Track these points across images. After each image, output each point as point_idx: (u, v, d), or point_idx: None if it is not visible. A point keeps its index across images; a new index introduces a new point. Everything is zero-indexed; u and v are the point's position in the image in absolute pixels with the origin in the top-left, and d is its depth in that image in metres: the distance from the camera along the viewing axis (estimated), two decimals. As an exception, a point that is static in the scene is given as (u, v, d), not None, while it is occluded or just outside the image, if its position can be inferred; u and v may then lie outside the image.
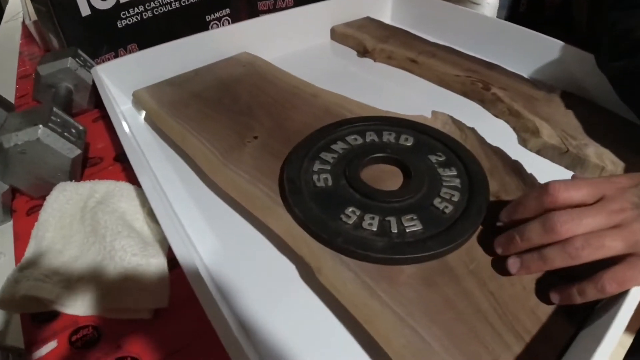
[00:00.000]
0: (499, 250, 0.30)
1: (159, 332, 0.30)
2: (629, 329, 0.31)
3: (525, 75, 0.53)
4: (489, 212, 0.33)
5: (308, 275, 0.31)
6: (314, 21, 0.62)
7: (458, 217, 0.33)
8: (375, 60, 0.57)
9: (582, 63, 0.48)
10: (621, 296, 0.26)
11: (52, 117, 0.41)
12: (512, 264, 0.29)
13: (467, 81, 0.50)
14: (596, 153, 0.41)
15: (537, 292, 0.29)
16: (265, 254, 0.34)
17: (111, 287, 0.31)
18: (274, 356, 0.27)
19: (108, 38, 0.57)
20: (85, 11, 0.54)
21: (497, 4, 0.66)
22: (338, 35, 0.62)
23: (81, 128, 0.44)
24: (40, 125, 0.39)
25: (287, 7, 0.70)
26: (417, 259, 0.30)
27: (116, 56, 0.59)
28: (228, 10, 0.68)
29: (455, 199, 0.34)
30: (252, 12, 0.70)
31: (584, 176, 0.37)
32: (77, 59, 0.52)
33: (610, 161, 0.40)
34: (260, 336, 0.28)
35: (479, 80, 0.50)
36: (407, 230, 0.31)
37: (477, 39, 0.58)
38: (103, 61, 0.58)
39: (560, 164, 0.42)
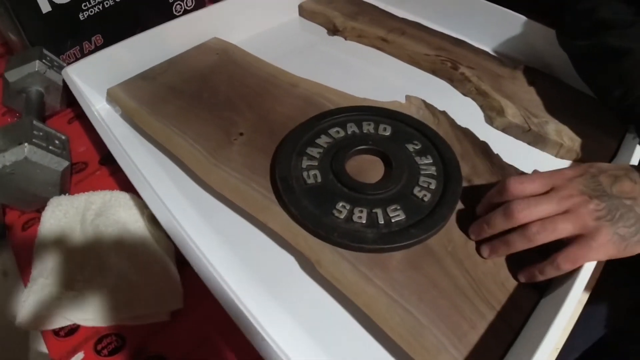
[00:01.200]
0: (472, 237, 0.35)
1: (180, 331, 0.34)
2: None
3: (490, 51, 0.57)
4: (462, 197, 0.38)
5: (308, 267, 0.36)
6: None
7: (436, 203, 0.37)
8: (346, 39, 0.59)
9: (546, 39, 0.52)
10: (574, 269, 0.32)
11: (35, 132, 0.42)
12: (484, 249, 0.34)
13: (436, 60, 0.53)
14: (556, 130, 0.46)
15: (506, 268, 0.34)
16: (265, 249, 0.38)
17: (128, 298, 0.34)
18: (288, 338, 0.32)
19: (71, 32, 0.56)
20: (45, 7, 0.52)
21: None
22: (306, 12, 0.63)
23: (64, 137, 0.46)
24: (26, 144, 0.40)
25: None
26: (404, 246, 0.35)
27: (81, 50, 0.58)
28: (190, -11, 0.67)
29: (433, 186, 0.38)
30: (216, -12, 0.69)
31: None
32: (44, 60, 0.51)
33: (569, 137, 0.46)
34: (272, 322, 0.33)
35: (447, 59, 0.53)
36: (393, 221, 0.36)
37: (444, 12, 0.61)
38: (69, 57, 0.57)
39: (523, 140, 0.47)
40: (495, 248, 0.34)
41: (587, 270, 0.31)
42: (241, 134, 0.44)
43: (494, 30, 0.57)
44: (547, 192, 0.32)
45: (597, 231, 0.30)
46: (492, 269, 0.34)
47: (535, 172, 0.41)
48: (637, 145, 0.42)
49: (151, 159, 0.46)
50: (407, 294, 0.33)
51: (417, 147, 0.42)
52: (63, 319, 0.34)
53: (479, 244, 0.35)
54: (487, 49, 0.58)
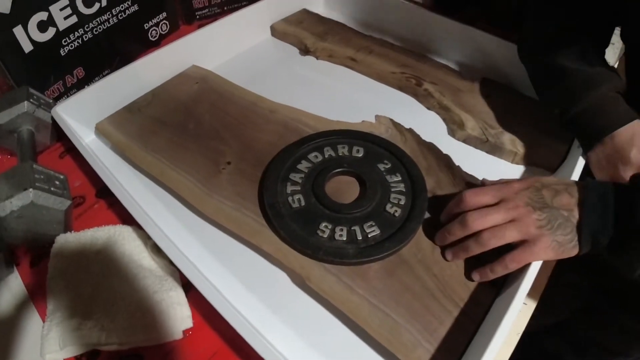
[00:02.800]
0: (438, 243, 0.43)
1: (191, 347, 0.41)
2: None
3: (452, 65, 0.64)
4: (428, 209, 0.46)
5: (299, 282, 0.43)
6: (253, 21, 0.68)
7: (406, 218, 0.44)
8: (317, 59, 0.65)
9: (501, 51, 0.60)
10: (523, 268, 0.39)
11: (36, 176, 0.47)
12: (447, 254, 0.42)
13: (402, 77, 0.60)
14: (510, 139, 0.54)
15: (468, 270, 0.42)
16: (260, 268, 0.44)
17: (142, 323, 0.41)
18: (286, 344, 0.39)
19: (53, 68, 0.61)
20: (27, 47, 0.57)
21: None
22: (278, 32, 0.69)
23: (62, 177, 0.51)
24: (31, 189, 0.45)
25: (221, 2, 0.74)
26: (380, 258, 0.42)
27: (64, 83, 0.63)
28: (165, 14, 0.71)
29: (402, 202, 0.46)
30: (188, 11, 0.74)
31: (492, 181, 0.47)
32: (31, 100, 0.56)
33: (522, 145, 0.54)
34: (272, 331, 0.39)
35: (412, 75, 0.60)
36: (370, 236, 0.43)
37: (406, 28, 0.68)
38: (53, 92, 0.62)
39: (482, 150, 0.55)
40: (455, 253, 0.41)
41: (534, 269, 0.39)
42: (228, 163, 0.51)
43: (454, 44, 0.64)
44: (497, 203, 0.40)
45: (539, 238, 0.37)
46: (456, 272, 0.42)
47: (484, 181, 0.47)
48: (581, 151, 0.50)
49: (146, 190, 0.51)
50: (385, 299, 0.40)
51: (387, 166, 0.49)
52: (84, 346, 0.40)
53: (443, 250, 0.43)
54: (449, 62, 0.65)
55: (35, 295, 0.45)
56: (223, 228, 0.46)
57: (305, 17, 0.71)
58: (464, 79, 0.61)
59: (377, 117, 0.55)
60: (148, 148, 0.53)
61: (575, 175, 0.47)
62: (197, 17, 0.74)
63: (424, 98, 0.59)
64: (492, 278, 0.40)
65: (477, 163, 0.53)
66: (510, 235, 0.38)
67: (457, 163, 0.51)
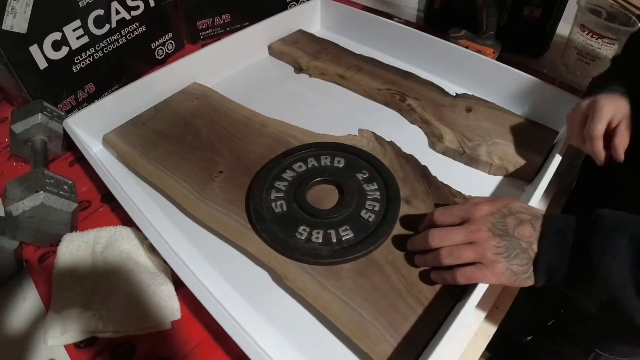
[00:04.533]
0: (409, 248, 0.48)
1: (178, 337, 0.46)
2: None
3: (438, 80, 0.70)
4: (401, 216, 0.51)
5: (278, 280, 0.48)
6: (253, 41, 0.75)
7: (379, 222, 0.50)
8: (310, 76, 0.72)
9: (483, 67, 0.65)
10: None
11: (47, 180, 0.54)
12: (414, 259, 0.47)
13: (387, 94, 0.66)
14: (486, 151, 0.59)
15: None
16: (244, 267, 0.49)
17: (136, 313, 0.46)
18: (265, 337, 0.44)
19: (66, 84, 0.68)
20: (42, 64, 0.65)
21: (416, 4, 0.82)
22: (275, 52, 0.76)
23: (70, 182, 0.58)
24: (41, 191, 0.51)
25: (224, 23, 0.82)
26: (353, 259, 0.47)
27: (76, 98, 0.70)
28: (170, 34, 0.79)
29: (377, 209, 0.51)
30: (193, 31, 0.81)
31: (471, 198, 0.49)
32: (45, 112, 0.63)
33: (498, 157, 0.58)
34: (252, 324, 0.45)
35: (397, 92, 0.66)
36: (343, 239, 0.48)
37: (394, 46, 0.74)
38: (65, 105, 0.69)
39: (460, 161, 0.60)
40: (417, 260, 0.46)
41: (483, 286, 0.43)
42: (220, 172, 0.57)
43: (440, 61, 0.70)
44: (462, 223, 0.43)
45: (494, 264, 0.40)
46: (423, 273, 0.47)
47: (453, 207, 0.49)
48: (556, 161, 0.54)
49: (146, 196, 0.58)
50: (354, 297, 0.45)
51: (365, 176, 0.54)
52: (83, 333, 0.46)
53: (412, 254, 0.48)
54: (435, 77, 0.71)
55: (42, 288, 0.51)
56: (213, 231, 0.52)
57: (301, 38, 0.77)
58: (446, 94, 0.66)
59: (360, 130, 0.61)
60: (149, 158, 0.59)
61: (544, 183, 0.51)
62: (202, 37, 0.81)
63: (407, 113, 0.64)
64: (443, 283, 0.44)
65: (455, 173, 0.59)
66: (466, 257, 0.41)
67: (436, 173, 0.56)
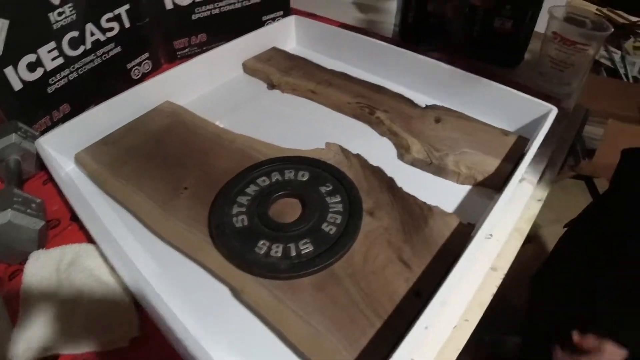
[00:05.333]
0: None
1: (136, 354, 0.46)
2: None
3: (406, 93, 0.70)
4: (363, 228, 0.51)
5: (238, 295, 0.48)
6: (227, 59, 0.76)
7: (340, 235, 0.50)
8: (282, 92, 0.73)
9: (453, 78, 0.66)
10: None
11: (15, 199, 0.55)
12: None
13: (356, 107, 0.67)
14: (454, 161, 0.59)
15: (394, 283, 0.46)
16: (205, 282, 0.50)
17: (96, 329, 0.47)
18: (228, 353, 0.44)
19: (41, 104, 0.70)
20: (17, 85, 0.66)
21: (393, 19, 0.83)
22: (249, 69, 0.77)
23: (39, 201, 0.58)
24: (9, 209, 0.53)
25: (201, 42, 0.83)
26: (312, 272, 0.47)
27: (51, 118, 0.72)
28: (147, 54, 0.81)
29: (339, 221, 0.51)
30: (169, 51, 0.83)
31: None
32: (19, 133, 0.64)
33: (466, 166, 0.59)
34: (212, 341, 0.44)
35: (366, 105, 0.66)
36: (303, 252, 0.48)
37: (367, 60, 0.75)
38: (40, 125, 0.70)
39: (428, 172, 0.60)
40: None
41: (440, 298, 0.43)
42: (186, 188, 0.57)
43: (410, 73, 0.71)
44: None
45: None
46: (383, 285, 0.46)
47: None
48: (522, 167, 0.54)
49: (113, 214, 0.58)
50: (311, 311, 0.45)
51: (328, 189, 0.54)
52: (46, 351, 0.46)
53: (372, 261, 0.47)
54: (405, 90, 0.71)
55: (11, 305, 0.51)
56: (177, 247, 0.52)
57: (274, 55, 0.79)
58: (416, 106, 0.67)
59: (327, 144, 0.61)
60: (118, 175, 0.60)
61: (509, 191, 0.51)
62: (178, 56, 0.83)
63: (376, 125, 0.65)
64: None
65: (423, 184, 0.59)
66: None
67: (403, 184, 0.56)
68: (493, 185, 0.58)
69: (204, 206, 0.55)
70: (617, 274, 0.67)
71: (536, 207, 0.63)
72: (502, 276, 0.54)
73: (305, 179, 0.56)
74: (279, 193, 0.54)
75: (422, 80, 0.70)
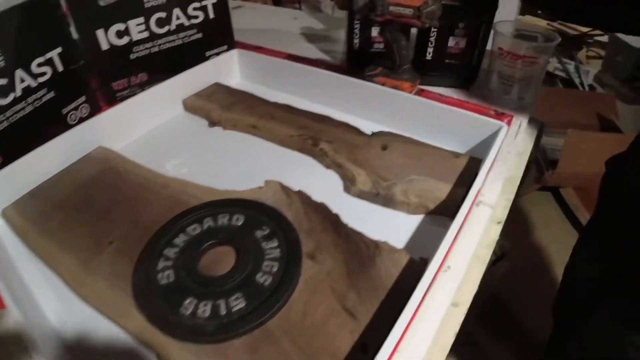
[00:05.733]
0: None
1: None
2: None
3: (352, 121, 0.65)
4: (302, 275, 0.44)
5: (163, 362, 0.40)
6: (166, 97, 0.70)
7: (276, 286, 0.43)
8: (224, 129, 0.66)
9: (399, 103, 0.60)
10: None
11: None
12: None
13: (299, 140, 0.61)
14: (402, 190, 0.53)
15: (337, 338, 0.39)
16: (132, 349, 0.42)
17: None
18: None
19: (-31, 157, 0.62)
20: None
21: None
22: (189, 107, 0.71)
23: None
24: None
25: (141, 82, 0.77)
26: (243, 333, 0.40)
27: (-21, 172, 0.64)
28: (84, 98, 0.74)
29: (275, 269, 0.44)
30: (109, 93, 0.77)
31: None
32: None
33: (415, 195, 0.53)
34: None
35: (309, 137, 0.60)
36: (234, 310, 0.41)
37: (312, 90, 0.69)
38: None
39: (377, 203, 0.54)
40: None
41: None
42: (111, 243, 0.50)
43: (355, 100, 0.65)
44: None
45: None
46: (325, 341, 0.39)
47: None
48: (477, 187, 0.48)
49: (37, 273, 0.51)
50: (243, 379, 0.37)
51: (265, 233, 0.47)
52: None
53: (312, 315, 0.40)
54: (352, 118, 0.66)
55: None
56: (98, 309, 0.45)
57: (216, 90, 0.73)
58: (362, 134, 0.61)
59: (266, 182, 0.55)
60: (42, 232, 0.53)
61: (461, 216, 0.45)
62: (118, 98, 0.77)
63: (321, 157, 0.59)
64: None
65: (372, 217, 0.53)
66: None
67: (351, 219, 0.50)
68: (446, 212, 0.52)
69: (129, 262, 0.47)
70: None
71: (496, 230, 0.57)
72: (465, 311, 0.47)
73: (240, 223, 0.49)
74: (210, 242, 0.47)
75: (368, 106, 0.65)
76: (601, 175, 0.74)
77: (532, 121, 0.76)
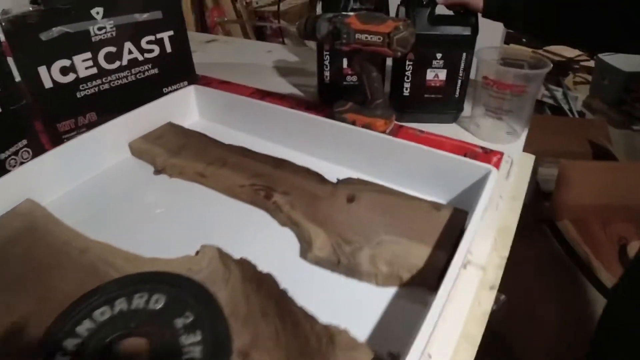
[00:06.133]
0: None
1: None
2: None
3: (316, 165, 0.52)
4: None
5: None
6: (111, 140, 0.58)
7: (190, 403, 0.29)
8: (170, 177, 0.54)
9: (370, 144, 0.48)
10: None
11: None
12: None
13: (251, 190, 0.48)
14: (370, 256, 0.40)
15: None
16: None
17: None
18: None
19: None
20: None
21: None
22: (135, 151, 0.59)
23: None
24: None
25: (90, 123, 0.65)
26: None
27: None
28: (25, 141, 0.62)
29: (191, 377, 0.31)
30: (53, 135, 0.65)
31: None
32: None
33: (386, 262, 0.40)
34: None
35: (262, 187, 0.48)
36: None
37: (274, 130, 0.57)
38: None
39: (338, 272, 0.40)
40: None
41: None
42: (14, 324, 0.37)
43: (319, 139, 0.53)
44: None
45: None
46: None
47: None
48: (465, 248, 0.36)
49: None
50: None
51: (187, 321, 0.34)
52: None
53: None
54: (316, 161, 0.53)
55: None
56: None
57: (167, 132, 0.61)
58: (325, 182, 0.48)
59: (202, 247, 0.42)
60: None
61: (445, 290, 0.32)
62: (65, 140, 0.65)
63: (274, 212, 0.46)
64: None
65: (333, 291, 0.40)
66: None
67: (305, 295, 0.37)
68: (425, 283, 0.39)
69: (28, 352, 0.34)
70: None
71: (489, 298, 0.44)
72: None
73: (158, 306, 0.36)
74: (119, 333, 0.34)
75: (335, 148, 0.53)
76: (598, 206, 0.61)
77: (525, 157, 0.63)
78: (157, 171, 0.55)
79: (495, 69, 0.58)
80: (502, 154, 0.59)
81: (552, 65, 0.59)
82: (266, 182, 0.48)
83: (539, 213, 1.18)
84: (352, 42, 0.51)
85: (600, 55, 2.03)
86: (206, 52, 0.99)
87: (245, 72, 0.84)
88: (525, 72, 0.58)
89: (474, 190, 0.47)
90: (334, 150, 0.53)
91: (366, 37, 0.49)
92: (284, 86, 0.78)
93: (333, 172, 0.51)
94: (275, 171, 0.50)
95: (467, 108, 0.67)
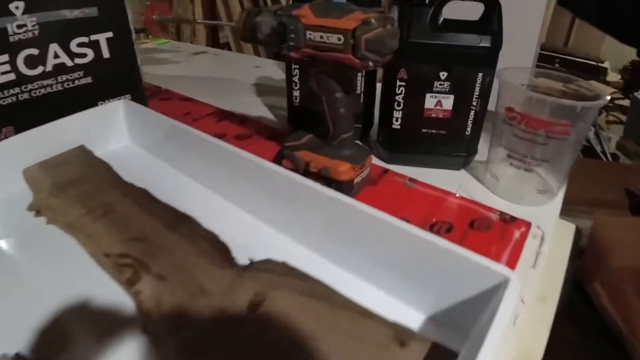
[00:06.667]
0: None
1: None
2: None
3: (243, 221, 0.31)
4: None
5: None
6: (6, 163, 0.39)
7: None
8: (47, 222, 0.34)
9: (317, 205, 0.27)
10: None
11: None
12: None
13: (115, 266, 0.27)
14: None
15: None
16: None
17: None
18: None
19: None
20: None
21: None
22: (27, 180, 0.39)
23: None
24: None
25: (6, 139, 0.47)
26: None
27: None
28: None
29: None
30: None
31: None
32: None
33: None
34: None
35: (133, 261, 0.27)
36: None
37: (200, 165, 0.37)
38: None
39: None
40: None
41: None
42: None
43: (253, 192, 0.31)
44: None
45: None
46: None
47: None
48: None
49: None
50: None
51: None
52: None
53: None
54: (247, 216, 0.32)
55: None
56: None
57: (70, 158, 0.41)
58: (227, 265, 0.27)
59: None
60: None
61: None
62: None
63: (136, 306, 0.25)
64: None
65: None
66: None
67: None
68: None
69: None
70: None
71: None
72: None
73: None
74: None
75: (269, 204, 0.31)
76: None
77: (563, 228, 0.39)
78: (37, 212, 0.35)
79: (525, 98, 0.35)
80: (528, 224, 0.36)
81: (608, 98, 0.36)
82: (143, 252, 0.28)
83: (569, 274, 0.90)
84: (301, 46, 0.30)
85: (636, 94, 1.70)
86: (191, 64, 0.81)
87: (220, 88, 0.65)
88: (571, 103, 0.35)
89: (477, 306, 0.24)
90: (267, 207, 0.32)
91: (321, 37, 0.29)
92: (255, 107, 0.58)
93: (259, 241, 0.30)
94: (167, 234, 0.29)
95: (483, 150, 0.43)
